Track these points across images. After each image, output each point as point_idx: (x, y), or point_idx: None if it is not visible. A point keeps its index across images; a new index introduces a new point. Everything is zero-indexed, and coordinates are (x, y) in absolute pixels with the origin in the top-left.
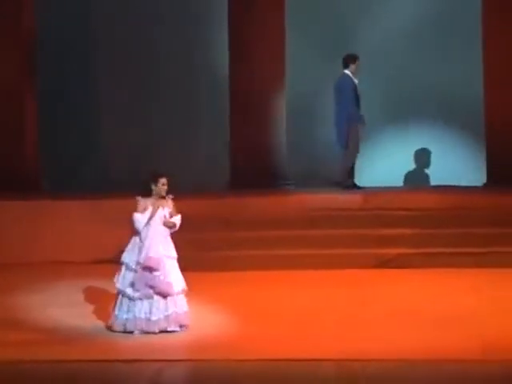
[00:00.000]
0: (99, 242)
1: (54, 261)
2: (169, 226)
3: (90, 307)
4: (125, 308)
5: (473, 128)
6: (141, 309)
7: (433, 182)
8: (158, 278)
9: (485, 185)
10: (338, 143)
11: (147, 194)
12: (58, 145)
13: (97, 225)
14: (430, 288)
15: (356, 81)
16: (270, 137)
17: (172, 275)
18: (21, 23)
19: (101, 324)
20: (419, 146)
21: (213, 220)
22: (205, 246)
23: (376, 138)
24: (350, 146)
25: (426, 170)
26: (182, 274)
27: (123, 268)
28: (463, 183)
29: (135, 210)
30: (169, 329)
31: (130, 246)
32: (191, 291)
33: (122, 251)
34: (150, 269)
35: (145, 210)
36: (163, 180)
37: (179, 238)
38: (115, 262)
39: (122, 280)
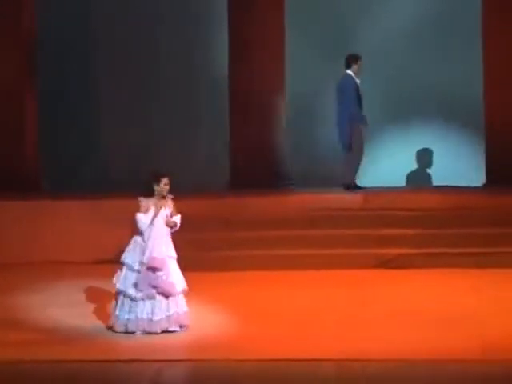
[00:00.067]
0: (99, 242)
1: (54, 261)
2: (170, 225)
3: (90, 307)
4: (126, 308)
5: (473, 128)
6: (143, 309)
7: (434, 182)
8: (160, 278)
9: (484, 185)
10: (340, 143)
11: (149, 194)
12: (58, 145)
13: (97, 225)
14: (430, 288)
15: (358, 81)
16: (270, 137)
17: (174, 275)
18: (21, 23)
19: (101, 324)
20: (420, 146)
21: (213, 220)
22: (205, 246)
23: (376, 138)
24: (354, 148)
25: (427, 170)
26: (182, 274)
27: (124, 268)
28: (463, 183)
29: (137, 210)
30: (170, 329)
31: (130, 247)
32: (191, 291)
33: (122, 251)
34: (154, 269)
35: (147, 210)
36: (165, 180)
37: (179, 238)
38: (115, 262)
39: (124, 280)
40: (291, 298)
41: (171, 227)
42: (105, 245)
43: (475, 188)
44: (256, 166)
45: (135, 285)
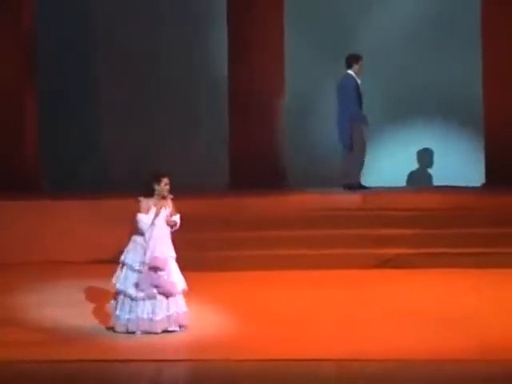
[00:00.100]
0: (99, 241)
1: (54, 261)
2: (171, 224)
3: (90, 307)
4: (127, 308)
5: (473, 127)
6: (143, 309)
7: (434, 182)
8: (162, 277)
9: (484, 185)
10: (340, 143)
11: (149, 194)
12: (57, 145)
13: (97, 225)
14: (429, 288)
15: (359, 81)
16: (270, 137)
17: (174, 275)
18: (21, 23)
19: (101, 324)
20: (420, 146)
21: (212, 220)
22: (204, 245)
23: (376, 138)
24: (355, 147)
25: (427, 170)
26: (182, 274)
27: (125, 268)
28: (462, 183)
29: (137, 210)
30: (169, 329)
31: (130, 247)
32: (191, 291)
33: (122, 251)
34: (156, 269)
35: (148, 210)
36: (165, 180)
37: (179, 237)
38: (115, 262)
39: (124, 280)
40: (290, 297)
41: (171, 226)
42: (105, 245)
43: (475, 188)
44: (255, 166)
45: (136, 285)
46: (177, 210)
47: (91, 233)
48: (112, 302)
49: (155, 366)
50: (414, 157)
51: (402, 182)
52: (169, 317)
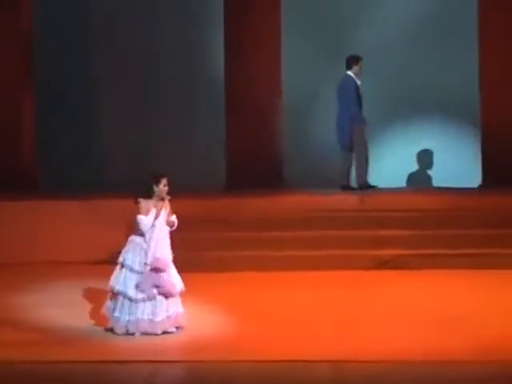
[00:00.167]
0: (98, 242)
1: (52, 261)
2: (170, 224)
3: (89, 307)
4: (126, 310)
5: (472, 128)
6: (143, 310)
7: (434, 182)
8: (162, 278)
9: (481, 186)
10: (339, 143)
11: (149, 195)
12: (56, 145)
13: (95, 225)
14: (427, 289)
15: (359, 82)
16: (267, 137)
17: (174, 276)
18: (19, 24)
19: (99, 325)
20: (419, 146)
21: (210, 220)
22: (202, 246)
23: (376, 138)
24: (357, 148)
25: (427, 171)
26: (179, 275)
27: (124, 270)
28: (460, 184)
29: (136, 211)
30: (169, 330)
31: (129, 248)
32: (188, 292)
33: (120, 252)
34: (157, 270)
35: (148, 211)
36: (164, 181)
37: (176, 238)
38: (113, 263)
39: (124, 282)
40: (288, 298)
41: (171, 226)
42: (103, 245)
43: (471, 189)
44: (253, 167)
45: (136, 286)
46: (174, 210)
47: (89, 233)
48: (109, 303)
49: (152, 367)
50: (413, 157)
51: (401, 182)
52: (169, 318)
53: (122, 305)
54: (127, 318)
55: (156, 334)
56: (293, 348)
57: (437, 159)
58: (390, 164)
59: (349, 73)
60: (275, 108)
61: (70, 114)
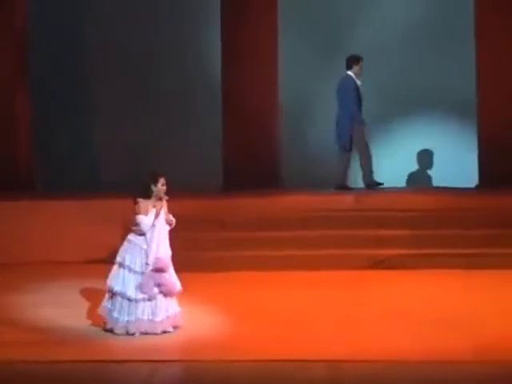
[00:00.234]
0: (94, 242)
1: (48, 261)
2: (169, 223)
3: (85, 307)
4: (125, 310)
5: (471, 128)
6: (143, 310)
7: (433, 183)
8: (164, 277)
9: (477, 186)
10: (337, 143)
11: (148, 195)
12: (51, 145)
13: (94, 225)
14: (423, 289)
15: (359, 82)
16: (264, 138)
17: (174, 275)
18: (13, 23)
19: (98, 325)
20: (418, 147)
21: (207, 220)
22: (199, 246)
23: (375, 138)
24: (360, 148)
25: (426, 171)
26: (176, 275)
27: (122, 270)
28: (457, 184)
29: (137, 212)
30: (168, 329)
31: (127, 247)
32: (185, 292)
33: (117, 251)
34: (159, 270)
35: (147, 211)
36: (162, 180)
37: (173, 238)
38: (110, 262)
39: (122, 282)
40: (284, 298)
41: (170, 225)
42: (102, 245)
43: (468, 189)
44: (250, 167)
45: (136, 286)
46: (172, 210)
47: (85, 233)
48: (106, 303)
49: (150, 367)
50: (413, 157)
51: (401, 182)
52: (168, 317)
53: (121, 305)
54: (126, 318)
55: (156, 334)
56: (289, 348)
57: (436, 159)
58: (390, 164)
59: (349, 73)
60: (272, 108)
61: (64, 114)
